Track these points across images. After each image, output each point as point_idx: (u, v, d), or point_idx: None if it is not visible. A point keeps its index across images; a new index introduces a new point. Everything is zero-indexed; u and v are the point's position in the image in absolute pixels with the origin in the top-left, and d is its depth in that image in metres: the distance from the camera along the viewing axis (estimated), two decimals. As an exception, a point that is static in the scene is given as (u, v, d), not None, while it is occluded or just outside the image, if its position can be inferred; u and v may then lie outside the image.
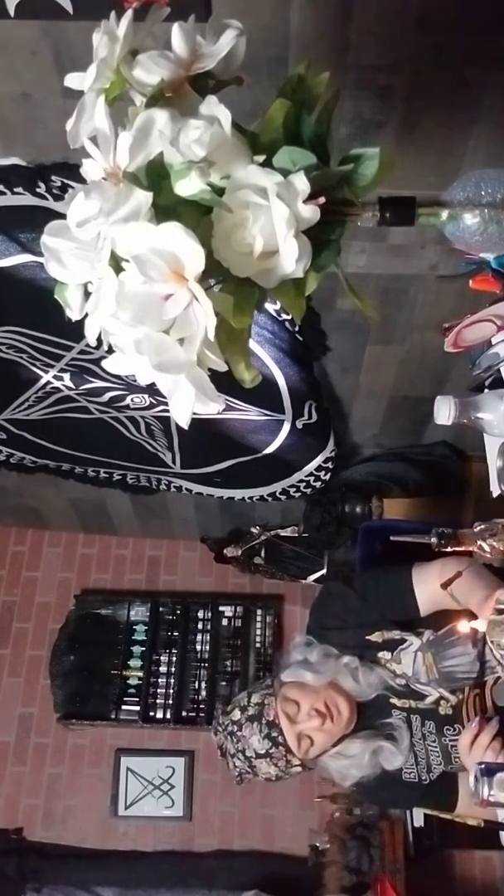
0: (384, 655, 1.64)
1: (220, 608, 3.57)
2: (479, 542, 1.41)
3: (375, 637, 1.66)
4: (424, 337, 2.26)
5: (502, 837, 1.87)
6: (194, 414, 0.85)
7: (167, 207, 0.80)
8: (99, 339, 0.87)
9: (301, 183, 0.80)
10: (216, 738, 1.70)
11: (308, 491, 3.00)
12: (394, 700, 1.66)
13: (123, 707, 3.44)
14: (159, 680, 3.48)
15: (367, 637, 1.66)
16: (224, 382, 0.86)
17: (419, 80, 1.59)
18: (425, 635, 1.62)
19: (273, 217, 0.79)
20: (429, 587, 1.63)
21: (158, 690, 3.47)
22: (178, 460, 2.92)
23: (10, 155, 1.76)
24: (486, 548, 1.40)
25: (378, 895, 2.78)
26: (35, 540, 3.82)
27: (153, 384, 0.84)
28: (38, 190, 1.79)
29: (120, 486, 3.21)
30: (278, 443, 2.71)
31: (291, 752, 1.60)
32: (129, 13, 0.87)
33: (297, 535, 3.23)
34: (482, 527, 1.43)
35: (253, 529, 3.35)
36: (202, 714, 3.44)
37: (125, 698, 3.45)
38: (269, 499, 3.13)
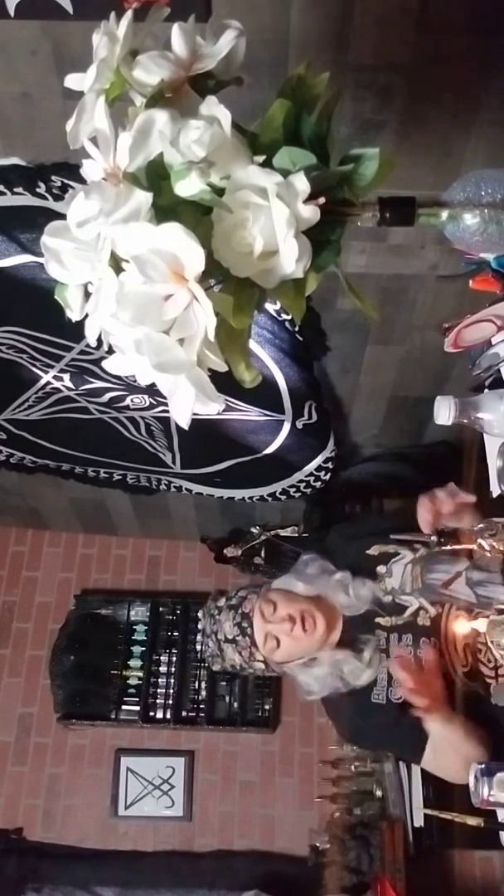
0: (380, 569, 1.70)
1: (221, 608, 3.58)
2: (478, 542, 1.41)
3: (373, 551, 1.73)
4: (424, 337, 2.25)
5: (502, 837, 1.86)
6: (194, 414, 0.85)
7: (167, 208, 0.80)
8: (99, 340, 0.87)
9: (301, 183, 0.80)
10: (201, 620, 1.82)
11: (308, 491, 3.00)
12: (379, 619, 1.69)
13: (123, 707, 3.44)
14: (159, 680, 3.48)
15: (367, 552, 1.73)
16: (224, 382, 0.86)
17: (419, 80, 1.59)
18: (420, 551, 1.67)
19: (273, 217, 0.79)
20: None
21: (158, 690, 3.47)
22: (178, 460, 2.92)
23: (10, 155, 1.76)
24: (486, 547, 1.40)
25: (378, 895, 2.78)
26: (35, 540, 3.82)
27: (153, 384, 0.84)
28: (38, 190, 1.79)
29: (120, 486, 3.21)
30: (278, 443, 2.70)
31: (256, 647, 1.70)
32: (129, 13, 0.87)
33: (297, 535, 3.23)
34: (482, 526, 1.43)
35: (253, 529, 3.34)
36: (202, 714, 3.43)
37: (125, 698, 3.45)
38: (269, 499, 3.13)
